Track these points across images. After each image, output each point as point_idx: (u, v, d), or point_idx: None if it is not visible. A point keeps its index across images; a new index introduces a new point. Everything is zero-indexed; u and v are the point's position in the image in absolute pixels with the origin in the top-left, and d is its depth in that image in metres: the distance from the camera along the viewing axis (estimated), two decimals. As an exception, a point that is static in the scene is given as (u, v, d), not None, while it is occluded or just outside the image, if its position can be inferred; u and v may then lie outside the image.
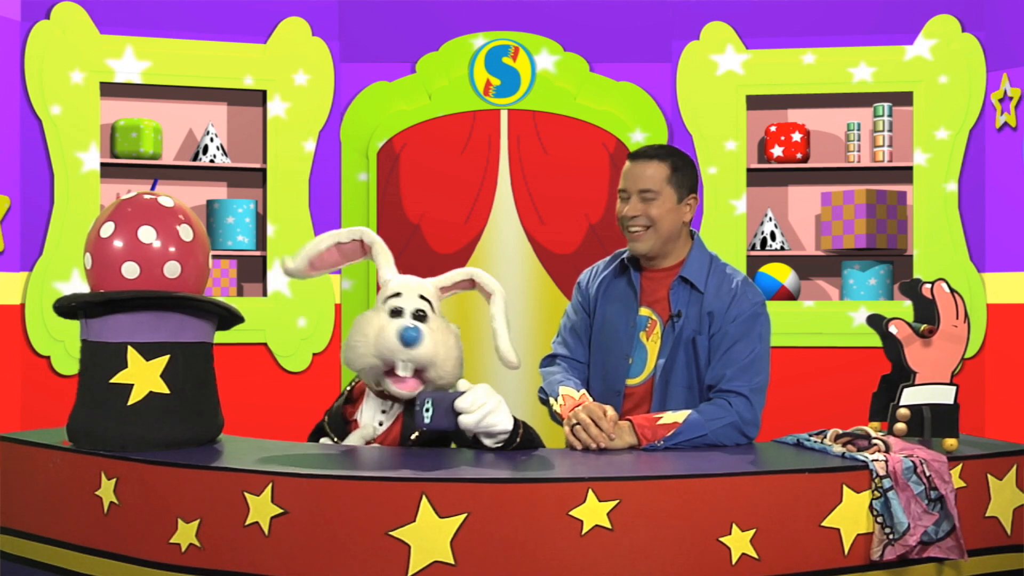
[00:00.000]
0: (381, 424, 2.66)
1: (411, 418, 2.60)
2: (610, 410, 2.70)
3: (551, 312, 5.07)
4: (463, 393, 2.49)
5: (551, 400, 2.90)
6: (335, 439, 2.68)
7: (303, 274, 2.71)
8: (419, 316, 2.61)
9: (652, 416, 2.71)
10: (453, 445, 2.66)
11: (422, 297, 2.64)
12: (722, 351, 2.81)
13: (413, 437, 2.61)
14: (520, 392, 4.16)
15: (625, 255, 3.01)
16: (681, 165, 2.91)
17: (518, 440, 2.55)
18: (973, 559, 2.41)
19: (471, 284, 2.76)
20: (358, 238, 2.72)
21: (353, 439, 2.65)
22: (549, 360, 3.07)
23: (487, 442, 2.53)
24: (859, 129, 5.23)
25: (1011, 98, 4.89)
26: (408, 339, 2.52)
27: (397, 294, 2.64)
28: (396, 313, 2.60)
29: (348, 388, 2.77)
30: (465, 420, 2.46)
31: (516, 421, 2.56)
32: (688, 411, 2.72)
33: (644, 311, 2.93)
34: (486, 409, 2.47)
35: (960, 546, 2.35)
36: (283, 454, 2.49)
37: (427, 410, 2.48)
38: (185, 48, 5.06)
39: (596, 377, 2.99)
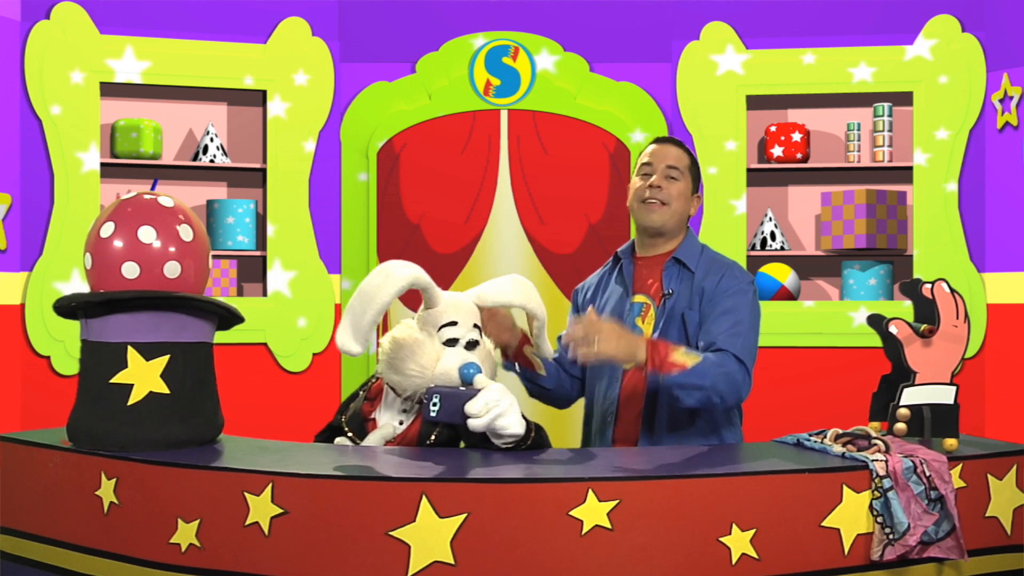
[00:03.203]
0: (401, 423, 2.66)
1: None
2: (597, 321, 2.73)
3: (551, 312, 5.02)
4: (476, 392, 2.48)
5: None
6: (354, 439, 2.67)
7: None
8: (471, 345, 2.62)
9: (669, 347, 2.73)
10: (462, 444, 2.66)
11: (475, 326, 2.66)
12: (712, 318, 2.86)
13: (432, 439, 2.61)
14: (520, 393, 4.15)
15: (619, 250, 3.11)
16: (696, 164, 3.08)
17: (528, 444, 2.54)
18: (973, 559, 2.41)
19: None
20: (404, 290, 2.55)
21: (373, 439, 2.63)
22: None
23: (496, 442, 2.51)
24: (859, 129, 5.23)
25: (1011, 97, 4.89)
26: (469, 379, 2.53)
27: (453, 323, 2.63)
28: (450, 343, 2.61)
29: (365, 387, 2.77)
30: (474, 423, 2.45)
31: (528, 424, 2.54)
32: (700, 357, 2.74)
33: (638, 298, 3.00)
34: (497, 411, 2.45)
35: (960, 546, 2.35)
36: (283, 454, 2.49)
37: (434, 404, 2.48)
38: (185, 48, 5.06)
39: (594, 369, 3.02)
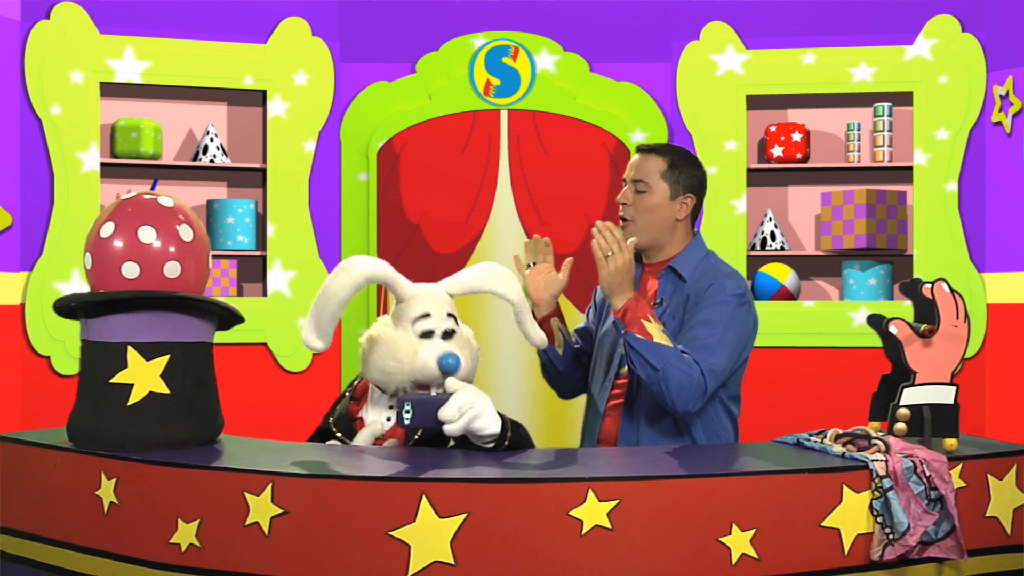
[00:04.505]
0: (389, 420, 2.65)
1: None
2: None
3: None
4: (448, 396, 2.46)
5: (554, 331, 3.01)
6: (343, 439, 2.66)
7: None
8: (448, 334, 2.59)
9: (648, 313, 2.74)
10: (452, 444, 2.65)
11: (449, 315, 2.61)
12: (688, 325, 2.83)
13: (417, 436, 2.61)
14: (520, 393, 4.15)
15: None
16: (682, 164, 2.96)
17: (507, 443, 2.51)
18: (973, 559, 2.41)
19: None
20: (363, 286, 2.57)
21: (362, 437, 2.63)
22: None
23: (476, 443, 2.51)
24: (859, 129, 5.23)
25: (1011, 102, 4.89)
26: (449, 368, 2.50)
27: (426, 315, 2.59)
28: (426, 335, 2.57)
29: (350, 387, 2.76)
30: (450, 428, 2.43)
31: (505, 422, 2.52)
32: (671, 344, 2.73)
33: None
34: (472, 414, 2.43)
35: (960, 546, 2.35)
36: (283, 454, 2.48)
37: (407, 412, 2.45)
38: (185, 48, 5.06)
39: (594, 374, 3.04)
